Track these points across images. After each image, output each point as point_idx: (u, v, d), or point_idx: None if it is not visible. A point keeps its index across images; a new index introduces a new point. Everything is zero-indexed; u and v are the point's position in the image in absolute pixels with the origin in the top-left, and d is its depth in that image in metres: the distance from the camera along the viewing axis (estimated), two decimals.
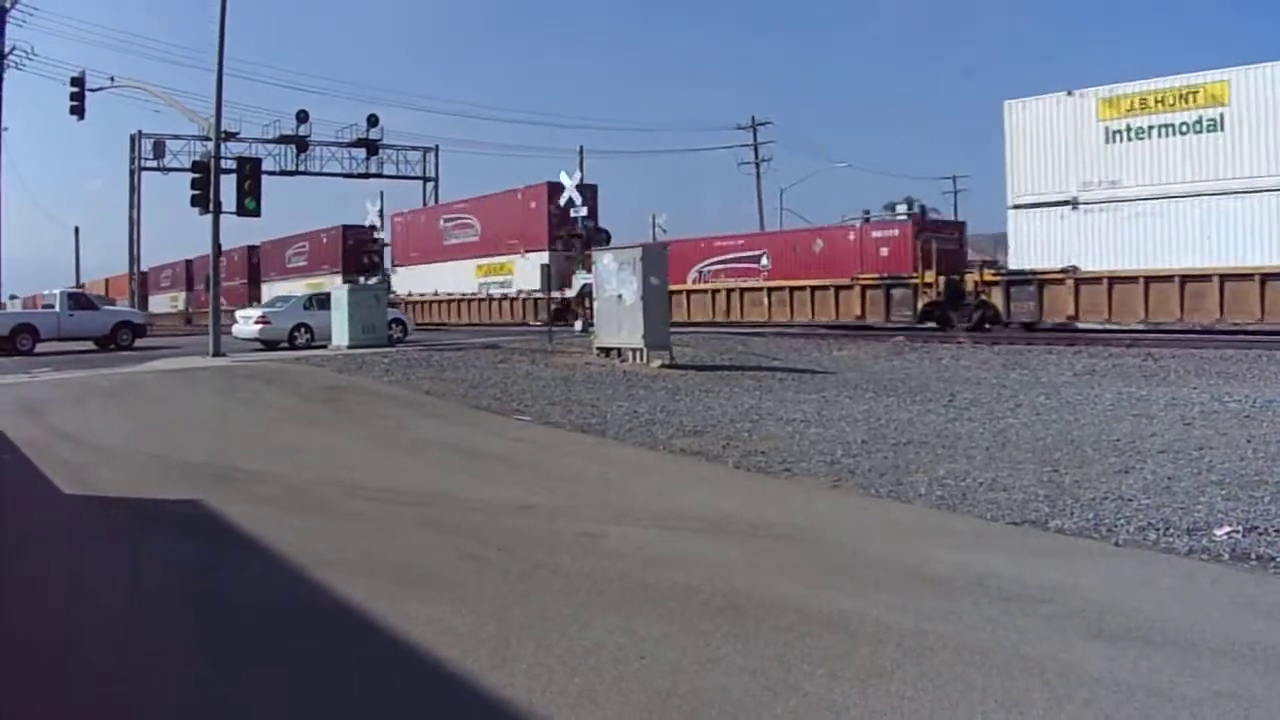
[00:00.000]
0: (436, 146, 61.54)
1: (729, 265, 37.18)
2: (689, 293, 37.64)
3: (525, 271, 40.41)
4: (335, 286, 50.40)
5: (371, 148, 57.70)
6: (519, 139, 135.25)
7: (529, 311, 41.25)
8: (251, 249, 62.90)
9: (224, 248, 63.56)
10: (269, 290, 53.58)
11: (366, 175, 57.79)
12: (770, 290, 35.16)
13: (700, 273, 38.16)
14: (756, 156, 61.19)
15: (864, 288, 32.00)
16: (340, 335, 23.54)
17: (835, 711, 3.65)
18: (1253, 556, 5.54)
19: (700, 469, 8.95)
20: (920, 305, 30.23)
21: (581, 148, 38.27)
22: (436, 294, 47.75)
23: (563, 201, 35.70)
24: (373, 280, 42.67)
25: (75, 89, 25.56)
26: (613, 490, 8.23)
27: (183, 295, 72.01)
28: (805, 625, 4.58)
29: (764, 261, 35.94)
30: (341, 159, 58.03)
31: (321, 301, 26.57)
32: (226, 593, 5.66)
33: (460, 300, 45.82)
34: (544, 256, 38.89)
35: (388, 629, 4.67)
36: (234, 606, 5.34)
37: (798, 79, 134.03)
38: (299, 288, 54.91)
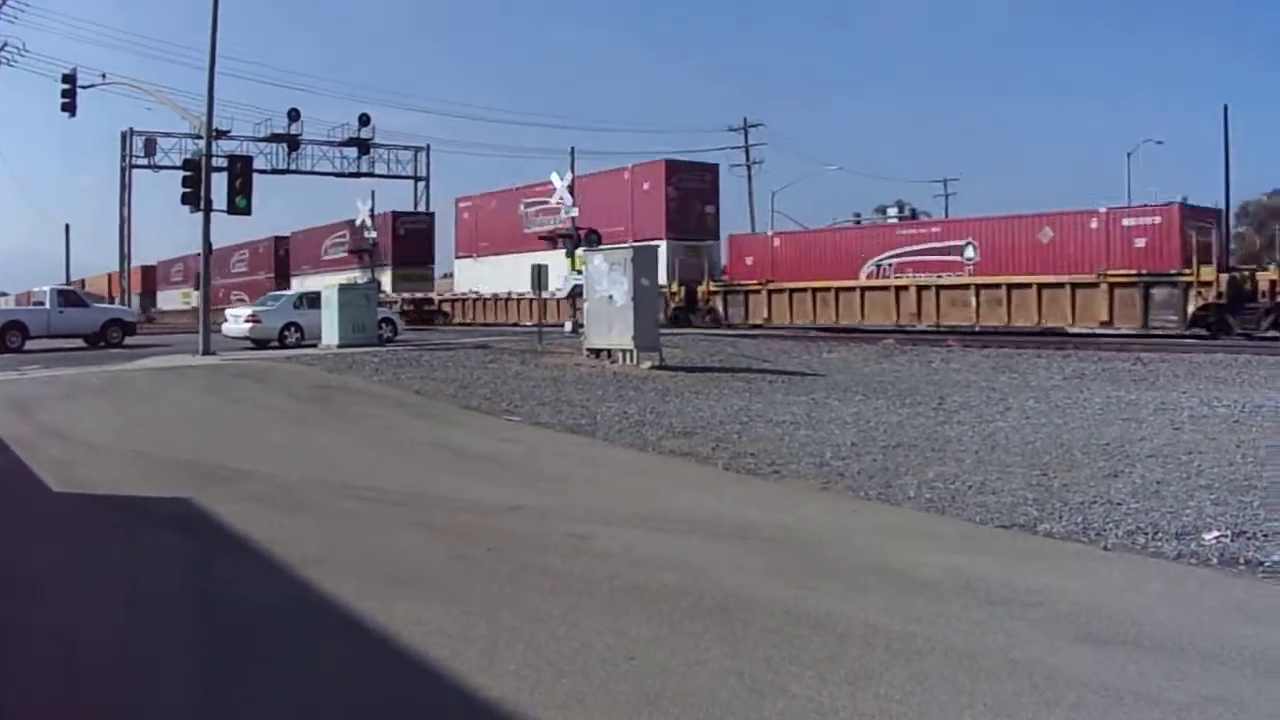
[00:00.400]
0: (428, 146, 61.57)
1: (919, 258, 31.39)
2: (863, 290, 32.30)
3: None
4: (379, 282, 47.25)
5: (363, 147, 57.65)
6: (510, 140, 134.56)
7: None
8: (279, 239, 59.65)
9: (250, 239, 61.65)
10: (301, 285, 49.08)
11: (358, 174, 57.69)
12: (980, 287, 29.32)
13: (878, 267, 32.43)
14: (748, 159, 61.07)
15: (1113, 286, 26.55)
16: (330, 334, 23.54)
17: (823, 714, 3.65)
18: (1241, 561, 5.56)
19: (690, 471, 8.95)
20: (1191, 308, 25.26)
21: (573, 149, 37.55)
22: (510, 292, 42.14)
23: (554, 201, 34.84)
24: (366, 280, 42.33)
25: (66, 85, 25.48)
26: (602, 491, 8.22)
27: (195, 291, 69.13)
28: (793, 627, 4.58)
29: (969, 253, 30.14)
30: (333, 158, 58.02)
31: (312, 300, 26.55)
32: (216, 592, 5.64)
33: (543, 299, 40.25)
34: (661, 247, 33.37)
35: (377, 629, 4.65)
36: (223, 605, 5.32)
37: (791, 81, 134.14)
38: (339, 282, 52.25)
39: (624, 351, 18.41)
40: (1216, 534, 6.06)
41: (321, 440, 11.18)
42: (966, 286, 29.71)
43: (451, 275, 52.33)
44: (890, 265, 32.21)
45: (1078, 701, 3.71)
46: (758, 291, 35.47)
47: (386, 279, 48.81)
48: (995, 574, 5.41)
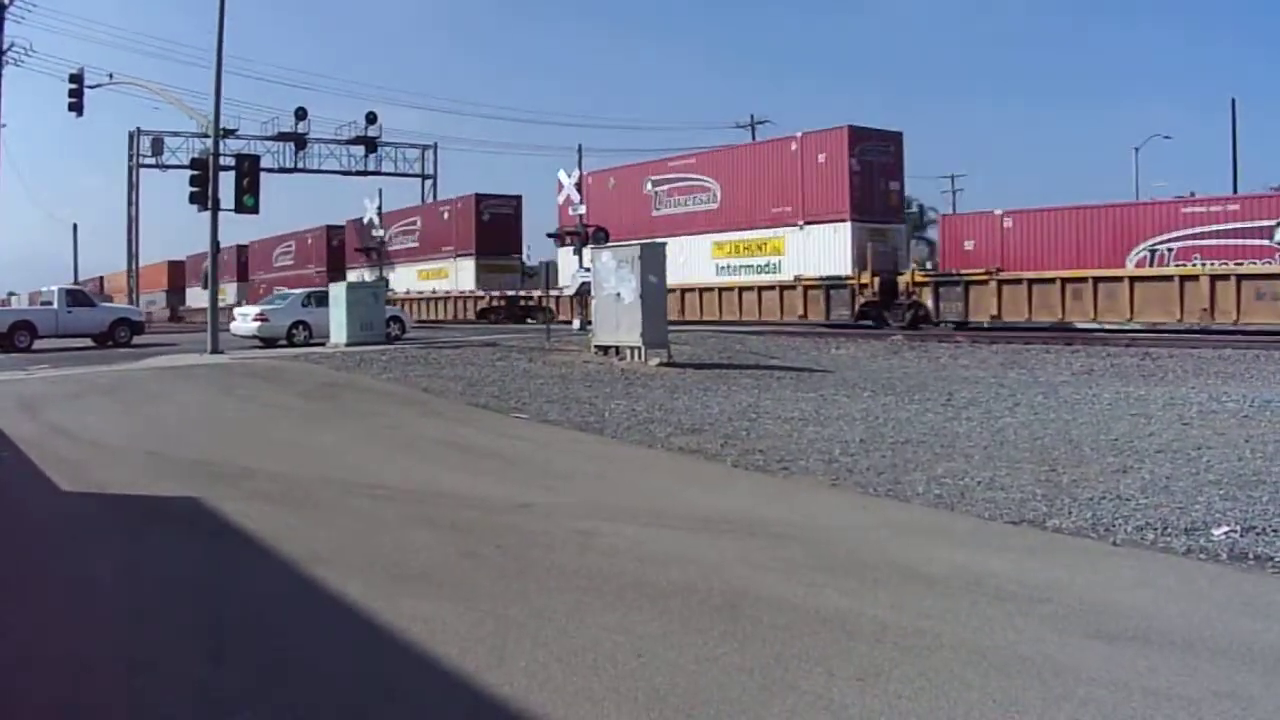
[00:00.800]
0: (435, 144, 61.70)
1: (1210, 241, 25.49)
2: (1132, 280, 25.58)
3: (804, 249, 31.57)
4: (464, 273, 44.14)
5: (370, 145, 57.86)
6: (518, 138, 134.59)
7: (814, 306, 31.19)
8: (332, 229, 54.88)
9: (298, 230, 59.51)
10: (359, 278, 44.26)
11: (365, 173, 57.85)
12: None
13: (1152, 251, 26.53)
14: None
15: None
16: (338, 333, 23.60)
17: (832, 710, 3.65)
18: (1250, 556, 5.55)
19: (698, 467, 8.95)
20: None
21: (580, 146, 37.12)
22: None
23: (562, 199, 34.20)
24: (374, 278, 42.15)
25: (74, 85, 25.56)
26: (610, 488, 8.23)
27: (233, 286, 60.14)
28: (802, 624, 4.57)
29: None
30: (340, 156, 58.22)
31: (320, 299, 26.63)
32: (223, 590, 5.64)
33: (686, 290, 33.63)
34: (843, 230, 29.77)
35: (385, 626, 4.66)
36: (231, 604, 5.33)
37: (790, 74, 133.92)
38: (409, 276, 47.87)
39: (632, 348, 18.40)
40: (1226, 529, 6.04)
41: (329, 438, 11.20)
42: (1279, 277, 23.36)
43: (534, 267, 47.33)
44: (1170, 250, 26.33)
45: (1087, 697, 3.70)
46: (984, 282, 28.34)
47: (469, 271, 44.34)
48: (1004, 570, 5.40)
